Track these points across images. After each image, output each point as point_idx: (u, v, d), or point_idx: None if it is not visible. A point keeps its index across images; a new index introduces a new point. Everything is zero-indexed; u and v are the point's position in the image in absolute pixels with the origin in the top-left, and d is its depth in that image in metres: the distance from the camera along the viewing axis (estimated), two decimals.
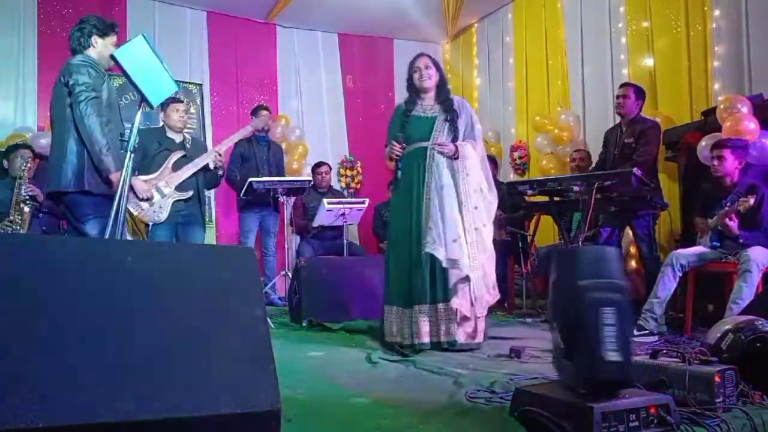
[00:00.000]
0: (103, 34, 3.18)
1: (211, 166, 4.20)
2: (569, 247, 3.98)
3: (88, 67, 3.04)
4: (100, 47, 3.16)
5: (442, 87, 3.38)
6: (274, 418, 1.31)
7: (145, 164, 4.17)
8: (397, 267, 3.28)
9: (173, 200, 4.11)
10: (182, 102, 4.34)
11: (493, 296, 3.24)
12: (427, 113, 3.35)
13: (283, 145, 6.24)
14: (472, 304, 3.15)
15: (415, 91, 3.39)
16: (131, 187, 3.93)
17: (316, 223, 5.26)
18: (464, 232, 3.13)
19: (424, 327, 3.13)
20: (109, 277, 1.33)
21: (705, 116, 4.23)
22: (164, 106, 4.25)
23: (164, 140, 4.26)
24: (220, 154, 4.21)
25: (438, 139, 3.26)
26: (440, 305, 3.14)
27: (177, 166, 4.15)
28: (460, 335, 3.14)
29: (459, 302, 3.13)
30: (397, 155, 3.27)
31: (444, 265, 3.10)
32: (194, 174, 4.20)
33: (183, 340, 1.32)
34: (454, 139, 3.27)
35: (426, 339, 3.12)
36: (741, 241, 3.37)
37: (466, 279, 3.12)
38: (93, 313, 1.27)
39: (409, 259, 3.21)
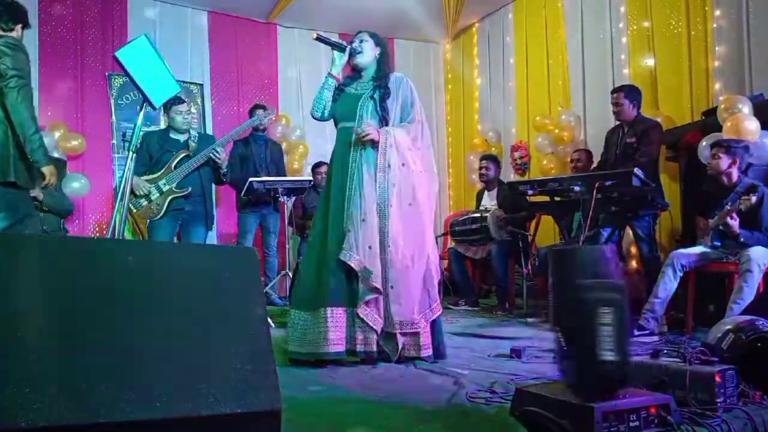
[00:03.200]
0: (25, 25, 3.09)
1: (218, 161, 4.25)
2: (566, 247, 3.98)
3: (18, 51, 2.91)
4: (19, 33, 3.06)
5: (381, 63, 3.02)
6: (274, 418, 1.30)
7: (151, 166, 4.22)
8: (308, 263, 2.92)
9: (171, 197, 4.15)
10: (184, 102, 4.34)
11: (422, 318, 2.79)
12: (358, 90, 3.00)
13: (284, 145, 6.23)
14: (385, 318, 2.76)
15: (357, 70, 3.07)
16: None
17: None
18: (386, 236, 2.75)
19: (335, 334, 2.72)
20: (109, 276, 1.33)
21: (705, 116, 4.23)
22: (166, 108, 4.27)
23: (166, 141, 4.29)
24: (217, 150, 4.22)
25: (363, 119, 2.88)
26: (357, 309, 2.76)
27: (179, 166, 4.19)
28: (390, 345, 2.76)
29: (365, 312, 2.74)
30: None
31: (359, 274, 2.73)
32: (198, 170, 4.22)
33: (183, 339, 1.32)
34: (382, 120, 2.88)
35: (338, 348, 2.72)
36: (741, 240, 3.36)
37: (377, 290, 2.73)
38: (92, 312, 1.26)
39: (319, 256, 2.85)
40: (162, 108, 4.36)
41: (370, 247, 2.73)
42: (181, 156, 4.21)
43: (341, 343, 2.74)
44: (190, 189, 4.18)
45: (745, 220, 3.38)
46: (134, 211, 4.16)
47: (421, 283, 2.83)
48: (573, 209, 4.22)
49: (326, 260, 2.81)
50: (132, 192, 4.05)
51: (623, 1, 5.31)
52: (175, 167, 4.18)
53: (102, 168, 5.87)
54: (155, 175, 4.17)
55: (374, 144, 2.82)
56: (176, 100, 4.17)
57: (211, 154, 4.20)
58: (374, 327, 2.74)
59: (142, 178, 4.13)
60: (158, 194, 4.13)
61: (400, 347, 2.77)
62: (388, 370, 2.68)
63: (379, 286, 2.72)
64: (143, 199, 4.12)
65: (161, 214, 4.14)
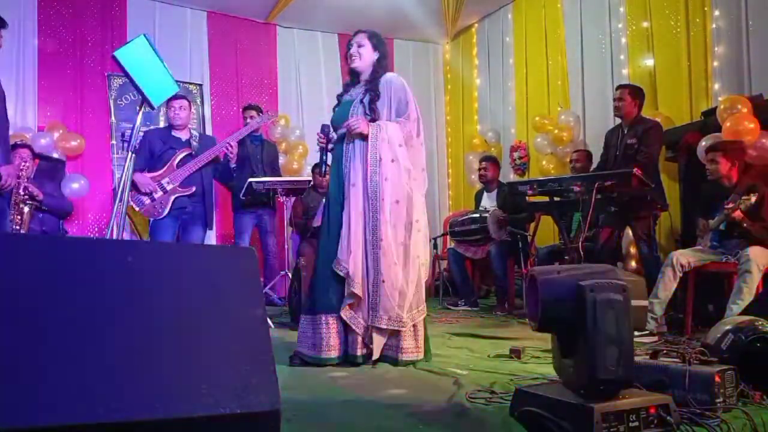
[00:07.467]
0: (2, 26, 3.10)
1: (227, 158, 4.29)
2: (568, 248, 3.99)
3: None
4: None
5: (378, 67, 2.96)
6: (274, 418, 1.30)
7: (153, 163, 4.21)
8: (315, 268, 2.94)
9: (175, 196, 4.14)
10: (181, 99, 4.33)
11: (411, 316, 2.78)
12: (352, 96, 2.98)
13: (283, 145, 6.23)
14: (370, 318, 2.77)
15: (355, 74, 3.04)
16: (134, 183, 3.98)
17: (316, 223, 5.26)
18: (377, 228, 2.75)
19: (332, 340, 2.77)
20: (109, 276, 1.33)
21: (705, 116, 4.23)
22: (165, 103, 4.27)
23: (169, 139, 4.30)
24: (231, 145, 4.25)
25: None
26: (341, 312, 2.79)
27: (181, 164, 4.19)
28: (376, 349, 2.76)
29: (348, 315, 2.77)
30: (319, 144, 3.04)
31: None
32: (200, 170, 4.23)
33: (182, 340, 1.32)
34: (372, 122, 2.85)
35: (335, 353, 2.77)
36: (745, 225, 3.34)
37: (356, 296, 2.75)
38: (92, 312, 1.26)
39: (320, 260, 2.89)
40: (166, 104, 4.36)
41: (354, 253, 2.75)
42: (184, 154, 4.21)
43: (338, 349, 2.78)
44: (194, 188, 4.18)
45: (748, 218, 3.39)
46: (137, 209, 4.14)
47: (408, 282, 2.80)
48: (573, 209, 4.22)
49: (325, 266, 2.83)
50: (136, 188, 4.05)
51: (623, 1, 5.31)
52: (178, 165, 4.18)
53: (101, 168, 5.88)
54: (158, 173, 4.16)
55: (364, 138, 2.81)
56: (174, 96, 4.19)
57: (224, 148, 4.24)
58: (356, 330, 2.77)
59: (145, 175, 4.12)
60: (161, 193, 4.13)
61: (382, 345, 2.78)
62: (387, 371, 2.69)
63: (358, 292, 2.74)
64: (146, 197, 4.10)
65: (165, 213, 4.13)
